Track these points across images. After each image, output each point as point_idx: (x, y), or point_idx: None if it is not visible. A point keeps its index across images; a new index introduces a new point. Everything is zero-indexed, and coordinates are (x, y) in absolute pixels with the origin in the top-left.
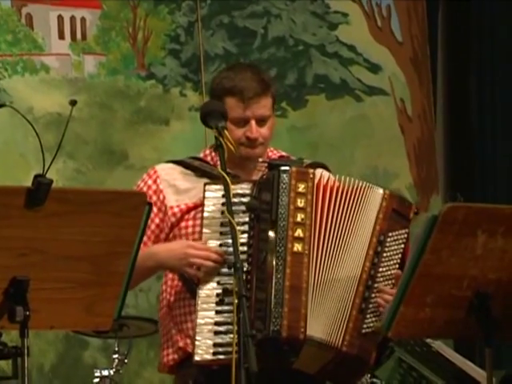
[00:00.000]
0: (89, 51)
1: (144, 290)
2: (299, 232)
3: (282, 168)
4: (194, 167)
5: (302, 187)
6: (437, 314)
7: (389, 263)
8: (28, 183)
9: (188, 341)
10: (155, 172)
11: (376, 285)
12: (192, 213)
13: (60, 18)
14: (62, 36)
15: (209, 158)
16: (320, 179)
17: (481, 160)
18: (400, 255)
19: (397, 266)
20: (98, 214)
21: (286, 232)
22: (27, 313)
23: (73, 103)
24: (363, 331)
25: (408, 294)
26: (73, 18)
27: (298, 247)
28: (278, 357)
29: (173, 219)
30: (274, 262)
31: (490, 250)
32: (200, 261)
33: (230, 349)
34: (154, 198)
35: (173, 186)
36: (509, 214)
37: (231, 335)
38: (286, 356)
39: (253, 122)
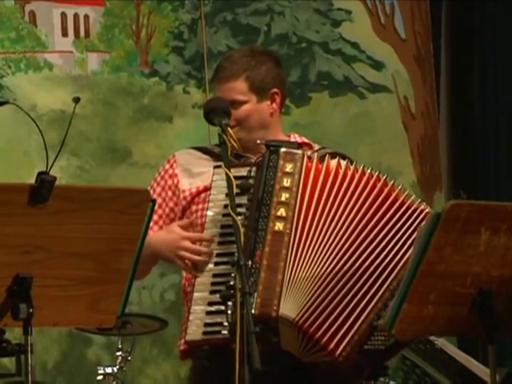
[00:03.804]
0: (92, 49)
1: (147, 288)
2: (282, 211)
3: (272, 148)
4: (212, 152)
5: (289, 167)
6: (440, 312)
7: None
8: (31, 180)
9: None
10: (173, 157)
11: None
12: (202, 195)
13: (63, 16)
14: (65, 33)
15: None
16: (314, 162)
17: (484, 157)
18: None
19: None
20: (101, 211)
21: (269, 211)
22: (31, 310)
23: (76, 100)
24: (365, 347)
25: (411, 292)
26: (76, 16)
27: (279, 226)
28: (258, 335)
29: (184, 202)
30: (255, 241)
31: (493, 248)
32: (189, 255)
33: (218, 328)
34: (170, 182)
35: (187, 169)
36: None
37: (221, 315)
38: (264, 335)
39: None
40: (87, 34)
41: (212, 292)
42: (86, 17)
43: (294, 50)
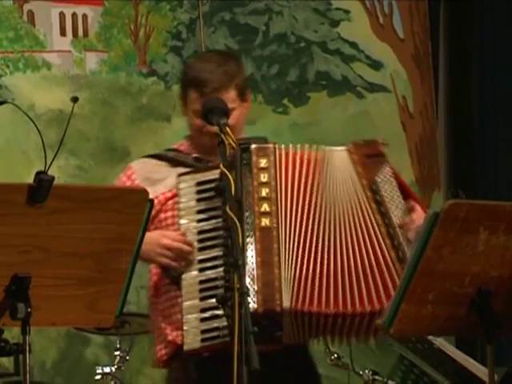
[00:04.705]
0: (90, 48)
1: (145, 287)
2: (265, 207)
3: (242, 146)
4: (168, 158)
5: (263, 162)
6: (438, 311)
7: (395, 202)
8: (30, 180)
9: (177, 333)
10: (130, 168)
11: (398, 229)
12: (169, 203)
13: (62, 15)
14: (63, 33)
15: (183, 148)
16: (282, 152)
17: (482, 157)
18: (397, 188)
19: (401, 198)
20: (99, 210)
21: (253, 208)
22: (29, 310)
23: (74, 100)
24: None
25: (409, 291)
26: (74, 15)
27: (265, 222)
28: (261, 333)
29: (152, 211)
30: (244, 240)
31: (491, 247)
32: (171, 242)
33: (216, 333)
34: None
35: (147, 178)
36: (510, 210)
37: (217, 320)
38: (269, 331)
39: None
40: (85, 34)
41: (202, 299)
42: (85, 16)
43: (293, 50)
